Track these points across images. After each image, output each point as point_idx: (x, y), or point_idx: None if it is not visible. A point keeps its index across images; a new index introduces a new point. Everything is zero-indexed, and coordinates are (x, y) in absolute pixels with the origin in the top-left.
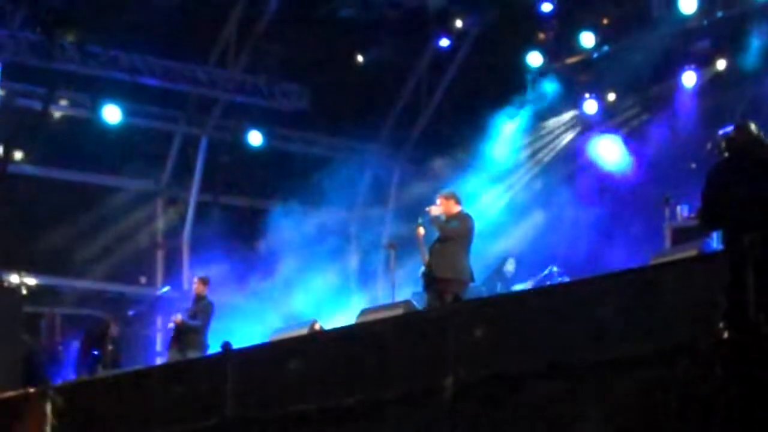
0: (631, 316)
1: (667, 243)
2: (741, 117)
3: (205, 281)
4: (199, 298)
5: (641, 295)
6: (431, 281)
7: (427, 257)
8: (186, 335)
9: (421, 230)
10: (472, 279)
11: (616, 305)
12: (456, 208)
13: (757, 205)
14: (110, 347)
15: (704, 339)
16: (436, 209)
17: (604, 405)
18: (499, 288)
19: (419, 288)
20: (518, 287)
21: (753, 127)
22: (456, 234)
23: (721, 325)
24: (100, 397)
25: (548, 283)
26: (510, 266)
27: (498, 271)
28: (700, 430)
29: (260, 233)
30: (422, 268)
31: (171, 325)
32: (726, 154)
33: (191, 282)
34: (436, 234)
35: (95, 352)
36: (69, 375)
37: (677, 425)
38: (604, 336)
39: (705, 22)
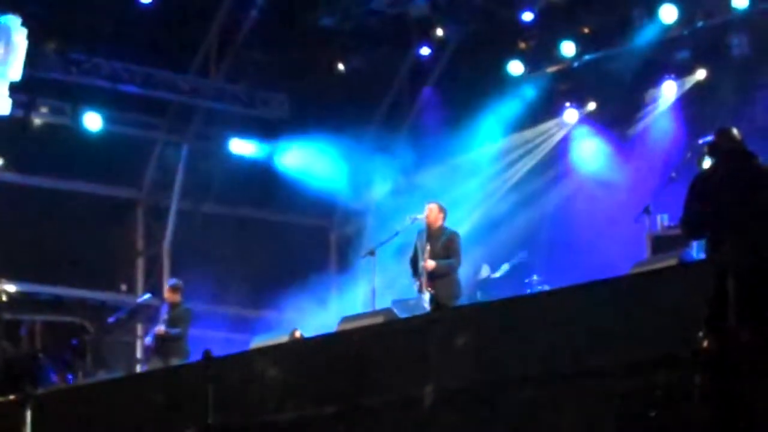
0: (610, 325)
1: (648, 252)
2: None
3: (175, 289)
4: (174, 306)
5: (621, 304)
6: (437, 306)
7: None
8: (167, 344)
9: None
10: None
11: (595, 314)
12: (441, 221)
13: (742, 214)
14: (84, 352)
15: (684, 349)
16: (430, 264)
17: (582, 414)
18: (480, 296)
19: (400, 295)
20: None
21: (735, 132)
22: (452, 269)
23: (700, 334)
24: (80, 405)
25: (529, 290)
26: (485, 272)
27: (471, 277)
28: None
29: (241, 241)
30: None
31: (148, 339)
32: (709, 161)
33: (172, 287)
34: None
35: (66, 357)
36: (49, 382)
37: None
38: (584, 345)
39: (685, 32)
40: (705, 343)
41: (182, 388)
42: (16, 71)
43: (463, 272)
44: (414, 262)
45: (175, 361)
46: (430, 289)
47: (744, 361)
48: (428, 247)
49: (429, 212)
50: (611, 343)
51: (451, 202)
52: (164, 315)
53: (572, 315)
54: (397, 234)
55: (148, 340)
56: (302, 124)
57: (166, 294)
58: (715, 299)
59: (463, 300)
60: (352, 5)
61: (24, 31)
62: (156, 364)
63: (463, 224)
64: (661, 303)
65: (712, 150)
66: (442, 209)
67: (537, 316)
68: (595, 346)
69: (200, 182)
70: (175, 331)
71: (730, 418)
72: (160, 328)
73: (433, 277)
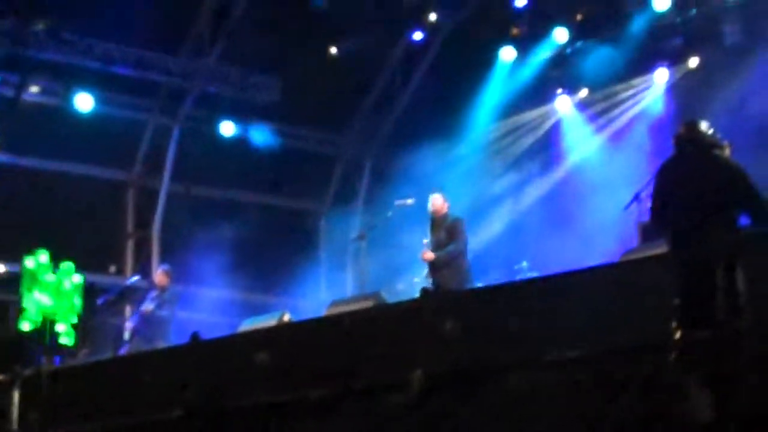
0: (598, 313)
1: (637, 240)
2: (712, 115)
3: (167, 273)
4: (163, 289)
5: (609, 292)
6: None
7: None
8: (153, 326)
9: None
10: None
11: (583, 301)
12: (445, 209)
13: (703, 206)
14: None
15: (672, 336)
16: (429, 255)
17: (568, 399)
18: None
19: (389, 280)
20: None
21: (703, 124)
22: (456, 254)
23: (673, 324)
24: (67, 386)
25: (518, 277)
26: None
27: None
28: (663, 425)
29: (231, 224)
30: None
31: (132, 321)
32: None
33: (161, 272)
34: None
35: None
36: (37, 363)
37: (639, 420)
38: (570, 332)
39: (678, 20)
40: (678, 334)
41: (170, 371)
42: None
43: None
44: None
45: (159, 344)
46: (430, 279)
47: (732, 349)
48: (427, 240)
49: (434, 202)
50: (600, 330)
51: (441, 187)
52: (152, 297)
53: (561, 302)
54: (387, 219)
55: (131, 321)
56: (294, 107)
57: (157, 277)
58: (695, 291)
59: None
60: None
61: None
62: (140, 345)
63: (451, 210)
64: (650, 291)
65: (677, 141)
66: (446, 198)
67: (525, 302)
68: (584, 333)
69: (191, 165)
70: (163, 312)
71: (715, 406)
72: (148, 307)
73: (436, 267)
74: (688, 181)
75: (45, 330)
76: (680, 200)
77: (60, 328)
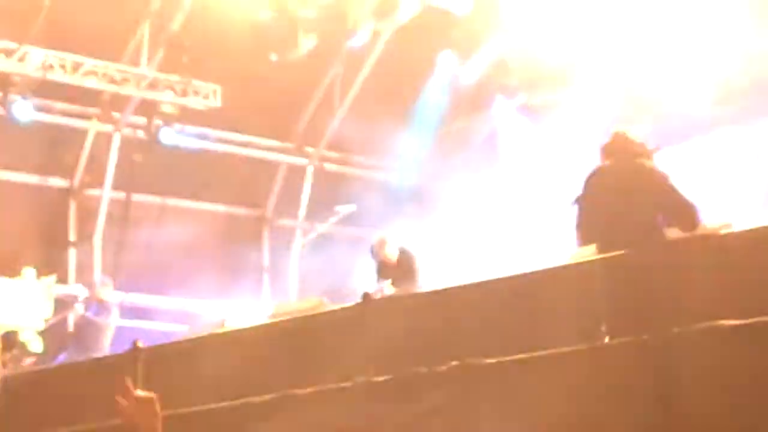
0: (538, 316)
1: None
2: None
3: (105, 283)
4: (101, 301)
5: (549, 294)
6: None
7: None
8: (90, 334)
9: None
10: None
11: (525, 304)
12: (394, 254)
13: (629, 216)
14: (12, 344)
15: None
16: (388, 288)
17: (511, 405)
18: None
19: (331, 284)
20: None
21: (630, 133)
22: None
23: (602, 329)
24: (11, 397)
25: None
26: None
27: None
28: None
29: (173, 232)
30: None
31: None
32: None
33: (99, 283)
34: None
35: None
36: None
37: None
38: (513, 335)
39: None
40: (607, 339)
41: (109, 379)
42: None
43: None
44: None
45: (97, 353)
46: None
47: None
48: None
49: (380, 251)
50: (537, 334)
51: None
52: (90, 306)
53: (503, 304)
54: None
55: (71, 330)
56: (235, 114)
57: (97, 287)
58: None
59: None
60: None
61: None
62: (77, 354)
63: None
64: (587, 293)
65: (603, 150)
66: (385, 242)
67: (468, 305)
68: (524, 336)
69: (132, 172)
70: (98, 319)
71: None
72: (85, 315)
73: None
74: (612, 191)
75: None
76: (606, 211)
77: (26, 336)
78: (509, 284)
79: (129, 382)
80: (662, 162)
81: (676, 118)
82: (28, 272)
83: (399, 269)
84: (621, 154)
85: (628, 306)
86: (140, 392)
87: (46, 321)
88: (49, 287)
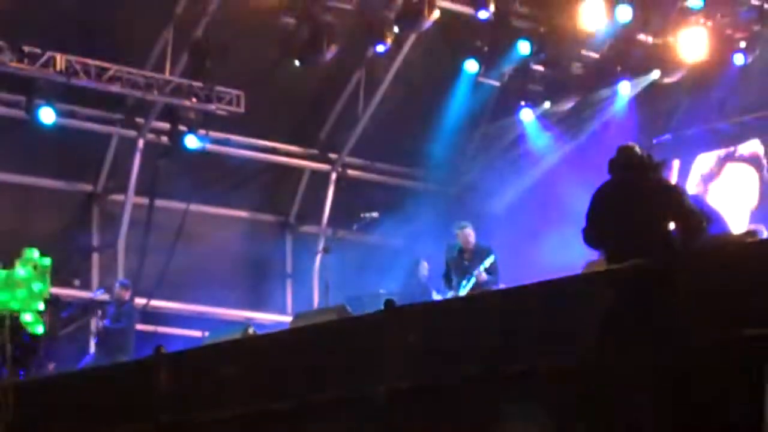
0: (561, 326)
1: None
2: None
3: (126, 287)
4: (121, 303)
5: (568, 305)
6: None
7: None
8: (111, 339)
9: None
10: None
11: (545, 314)
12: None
13: (639, 230)
14: (36, 347)
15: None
16: (484, 276)
17: (529, 415)
18: (418, 295)
19: (352, 292)
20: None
21: (637, 149)
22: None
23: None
24: (29, 401)
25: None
26: (424, 270)
27: (412, 275)
28: None
29: (196, 237)
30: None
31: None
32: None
33: (120, 287)
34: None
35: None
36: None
37: None
38: (532, 345)
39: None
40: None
41: (133, 384)
42: None
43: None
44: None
45: (121, 357)
46: None
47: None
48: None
49: (467, 236)
50: (559, 344)
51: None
52: (111, 311)
53: (523, 315)
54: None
55: (95, 334)
56: (258, 120)
57: (117, 291)
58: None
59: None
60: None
61: None
62: (101, 359)
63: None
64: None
65: (610, 166)
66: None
67: (488, 315)
68: (544, 347)
69: (155, 178)
70: (118, 325)
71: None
72: (100, 324)
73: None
74: (622, 206)
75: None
76: (616, 226)
77: (27, 318)
78: (529, 292)
79: None
80: (670, 174)
81: (700, 129)
82: (29, 253)
83: (478, 258)
84: (628, 168)
85: (640, 317)
86: None
87: (45, 300)
88: (44, 267)
